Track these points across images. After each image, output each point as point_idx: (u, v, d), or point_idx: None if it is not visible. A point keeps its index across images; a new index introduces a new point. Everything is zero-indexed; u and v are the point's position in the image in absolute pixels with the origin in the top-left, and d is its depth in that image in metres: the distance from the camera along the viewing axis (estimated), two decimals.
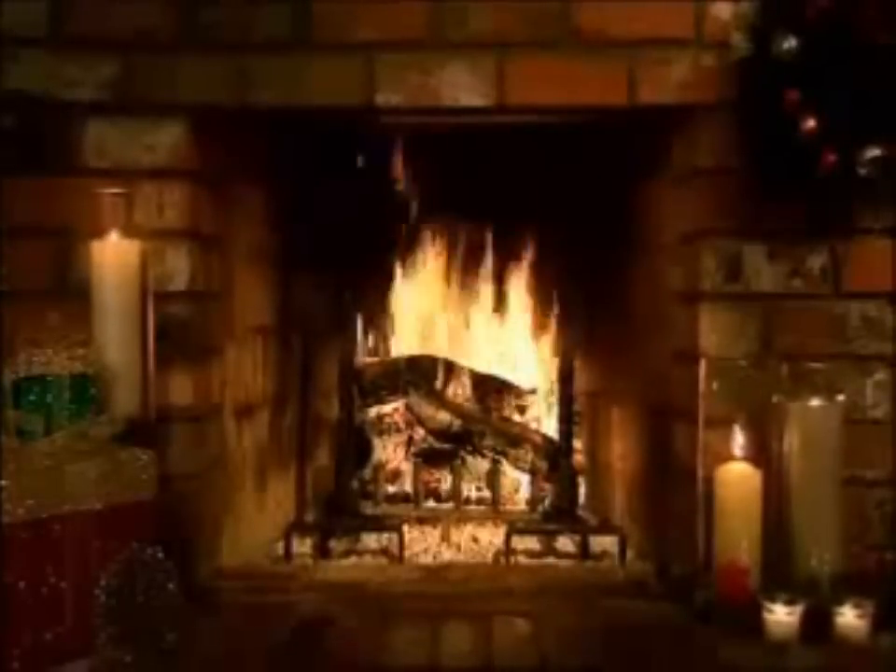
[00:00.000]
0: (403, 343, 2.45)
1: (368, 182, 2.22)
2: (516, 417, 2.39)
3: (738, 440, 1.51)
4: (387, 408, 2.40)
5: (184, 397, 1.63)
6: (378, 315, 2.43)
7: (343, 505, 2.07)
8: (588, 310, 2.19)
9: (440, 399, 2.35)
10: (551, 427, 2.26)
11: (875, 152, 1.46)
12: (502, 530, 2.02)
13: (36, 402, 1.34)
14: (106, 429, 1.37)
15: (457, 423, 2.32)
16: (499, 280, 2.43)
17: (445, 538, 2.12)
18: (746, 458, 1.51)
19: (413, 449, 2.36)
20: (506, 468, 2.28)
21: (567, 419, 2.09)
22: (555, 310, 2.30)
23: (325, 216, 2.18)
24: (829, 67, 1.46)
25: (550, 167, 2.14)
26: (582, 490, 2.23)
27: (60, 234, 1.60)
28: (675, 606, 1.53)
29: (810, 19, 1.47)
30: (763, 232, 1.61)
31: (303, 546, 2.02)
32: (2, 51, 1.59)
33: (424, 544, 2.09)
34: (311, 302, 2.23)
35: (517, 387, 2.41)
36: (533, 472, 2.23)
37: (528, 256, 2.37)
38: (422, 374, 2.35)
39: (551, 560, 2.00)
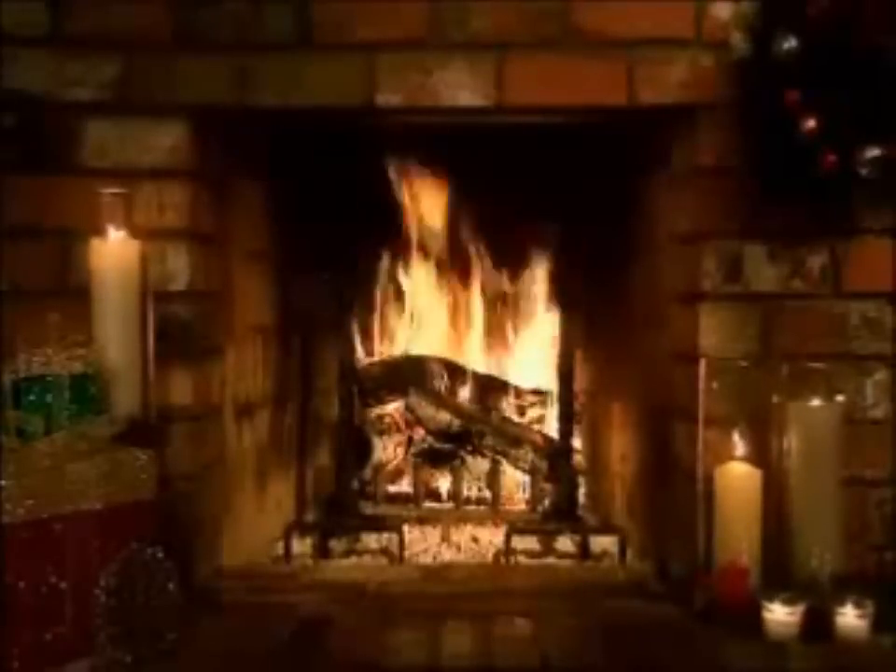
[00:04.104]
0: (403, 342, 2.45)
1: (368, 182, 2.22)
2: (516, 417, 2.39)
3: (738, 440, 1.52)
4: (387, 408, 2.40)
5: (184, 397, 1.63)
6: (378, 315, 2.43)
7: (342, 505, 2.07)
8: (588, 310, 2.20)
9: (440, 399, 2.35)
10: (551, 427, 2.26)
11: (874, 152, 1.46)
12: (502, 530, 2.02)
13: (36, 402, 1.34)
14: (106, 429, 1.37)
15: (457, 423, 2.32)
16: (500, 280, 2.43)
17: (445, 538, 2.12)
18: (746, 458, 1.51)
19: (413, 449, 2.36)
20: (506, 468, 2.28)
21: (567, 419, 2.09)
22: (556, 309, 2.30)
23: (325, 216, 2.18)
24: (829, 67, 1.46)
25: (550, 167, 2.14)
26: (582, 490, 2.24)
27: (60, 234, 1.60)
28: (675, 606, 1.53)
29: (810, 19, 1.47)
30: (763, 233, 1.61)
31: (303, 546, 2.02)
32: (2, 51, 1.59)
33: (424, 544, 2.09)
34: (311, 302, 2.23)
35: (517, 387, 2.41)
36: (533, 472, 2.23)
37: (529, 256, 2.37)
38: (422, 374, 2.35)
39: (551, 560, 2.00)
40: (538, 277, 2.38)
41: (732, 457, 1.51)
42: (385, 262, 2.39)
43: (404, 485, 2.31)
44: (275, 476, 2.10)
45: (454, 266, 2.41)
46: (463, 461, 2.30)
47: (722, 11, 1.59)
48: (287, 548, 1.93)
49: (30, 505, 1.25)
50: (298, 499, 2.25)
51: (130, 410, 1.42)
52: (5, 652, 1.22)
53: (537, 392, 2.42)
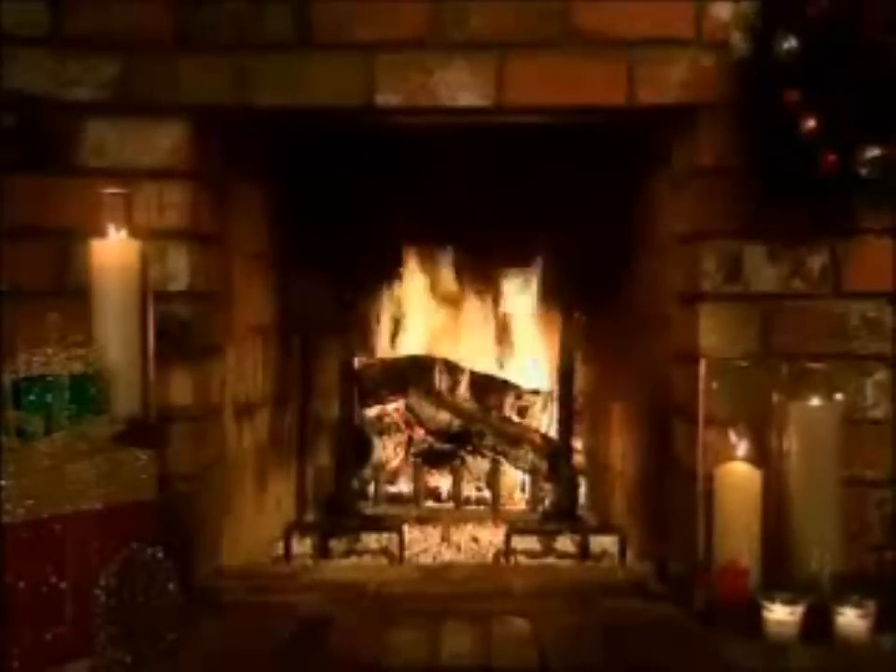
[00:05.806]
0: (403, 342, 2.45)
1: (368, 182, 2.22)
2: (516, 417, 2.39)
3: (738, 439, 1.52)
4: (387, 408, 2.40)
5: (184, 397, 1.63)
6: (378, 316, 2.43)
7: (342, 505, 2.07)
8: (588, 310, 2.20)
9: (440, 399, 2.35)
10: (551, 427, 2.26)
11: (874, 152, 1.46)
12: (502, 530, 2.02)
13: (36, 402, 1.34)
14: (106, 429, 1.37)
15: (457, 423, 2.33)
16: (499, 280, 2.43)
17: (445, 538, 2.12)
18: (746, 458, 1.51)
19: (413, 449, 2.36)
20: (506, 468, 2.28)
21: (567, 419, 2.09)
22: (556, 310, 2.30)
23: (325, 216, 2.18)
24: (829, 67, 1.46)
25: (550, 167, 2.14)
26: (582, 490, 2.24)
27: (60, 234, 1.60)
28: (675, 606, 1.53)
29: (810, 19, 1.47)
30: (763, 232, 1.61)
31: (303, 546, 2.02)
32: (2, 51, 1.59)
33: (424, 544, 2.09)
34: (311, 302, 2.23)
35: (517, 387, 2.41)
36: (533, 472, 2.23)
37: (528, 256, 2.37)
38: (422, 374, 2.35)
39: (551, 560, 2.00)
40: (538, 277, 2.38)
41: (732, 457, 1.51)
42: (384, 262, 2.39)
43: (404, 485, 2.31)
44: (275, 476, 2.10)
45: (453, 266, 2.41)
46: (463, 461, 2.30)
47: (722, 11, 1.59)
48: (287, 548, 1.93)
49: (30, 505, 1.25)
50: (298, 499, 2.25)
51: (130, 410, 1.42)
52: (5, 652, 1.22)
53: (537, 392, 2.42)
